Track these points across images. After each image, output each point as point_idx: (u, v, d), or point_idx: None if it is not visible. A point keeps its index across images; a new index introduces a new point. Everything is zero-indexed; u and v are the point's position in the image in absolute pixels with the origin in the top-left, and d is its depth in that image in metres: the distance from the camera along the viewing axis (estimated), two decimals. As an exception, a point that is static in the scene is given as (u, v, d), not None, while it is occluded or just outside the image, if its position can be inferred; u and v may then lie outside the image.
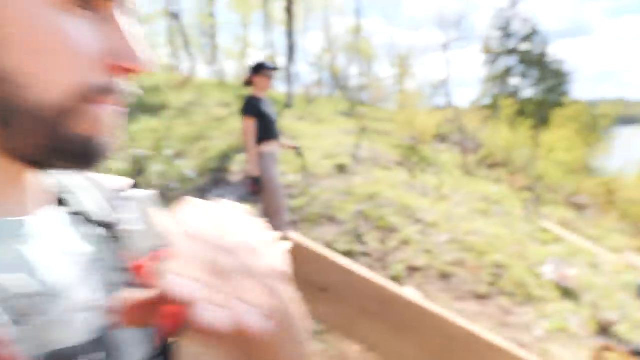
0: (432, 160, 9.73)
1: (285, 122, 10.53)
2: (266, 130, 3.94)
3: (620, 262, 5.65)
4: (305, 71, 42.33)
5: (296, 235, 1.78)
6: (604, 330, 4.05)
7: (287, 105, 11.49)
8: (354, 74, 25.88)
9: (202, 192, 6.11)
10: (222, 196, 6.32)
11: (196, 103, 11.48)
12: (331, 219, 5.47)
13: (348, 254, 4.53)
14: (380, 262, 4.52)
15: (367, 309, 1.87)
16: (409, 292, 4.06)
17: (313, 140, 8.73)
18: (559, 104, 20.05)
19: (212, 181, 6.72)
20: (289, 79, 11.72)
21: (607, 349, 3.66)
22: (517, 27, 27.52)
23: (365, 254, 4.63)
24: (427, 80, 27.95)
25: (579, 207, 9.18)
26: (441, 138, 13.08)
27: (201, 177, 6.71)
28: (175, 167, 6.87)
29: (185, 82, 13.33)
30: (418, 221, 5.42)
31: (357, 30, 22.28)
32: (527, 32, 27.23)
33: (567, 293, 4.53)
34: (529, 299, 4.38)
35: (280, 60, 17.29)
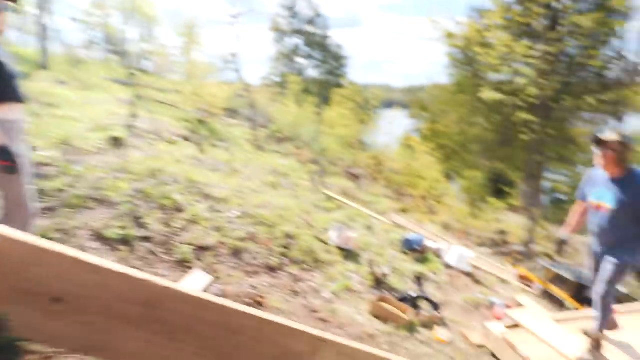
0: (223, 134, 9.40)
1: (37, 85, 8.57)
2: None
3: (387, 222, 6.44)
4: (70, 29, 36.14)
5: (4, 228, 1.13)
6: (380, 283, 4.46)
7: (42, 66, 9.37)
8: (133, 38, 23.18)
9: None
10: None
11: None
12: (102, 202, 4.56)
13: (124, 241, 3.83)
14: (163, 246, 3.96)
15: (127, 316, 1.36)
16: (198, 276, 3.67)
17: (78, 109, 7.31)
18: (338, 85, 22.22)
19: None
20: (43, 33, 9.53)
21: (382, 300, 4.02)
22: (302, 8, 29.29)
23: (145, 239, 3.98)
24: (216, 53, 27.30)
25: (355, 178, 10.29)
26: (231, 112, 12.85)
27: None
28: None
29: None
30: (207, 198, 5.01)
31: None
32: (311, 14, 29.23)
33: (349, 255, 4.86)
34: (317, 264, 4.52)
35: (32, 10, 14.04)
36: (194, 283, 3.39)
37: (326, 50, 30.05)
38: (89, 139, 5.98)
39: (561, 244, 3.43)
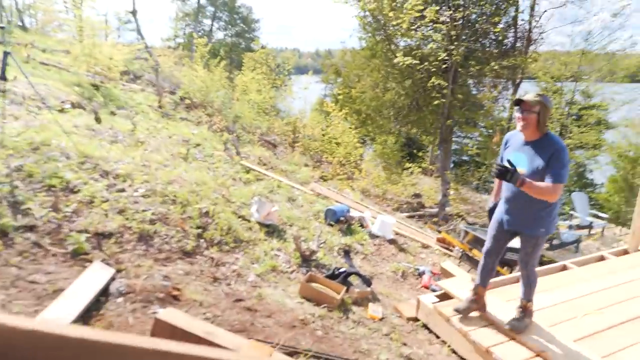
0: (122, 101, 8.36)
1: None
2: None
3: (310, 193, 6.19)
4: None
5: None
6: (307, 260, 4.21)
7: None
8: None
9: None
10: None
11: None
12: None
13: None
14: (52, 235, 3.30)
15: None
16: (96, 271, 3.08)
17: None
18: (248, 49, 21.19)
19: None
20: None
21: (311, 279, 3.77)
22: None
23: (27, 228, 3.29)
24: (111, 10, 24.54)
25: (272, 146, 9.86)
26: (132, 77, 11.57)
27: None
28: None
29: None
30: (105, 175, 4.32)
31: None
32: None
33: (273, 231, 4.53)
34: (238, 245, 4.13)
35: None
36: (91, 281, 2.84)
37: (234, 12, 28.45)
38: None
39: (490, 212, 3.38)
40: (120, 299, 2.84)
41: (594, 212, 11.04)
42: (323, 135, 11.42)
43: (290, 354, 2.65)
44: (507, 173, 2.70)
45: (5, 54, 4.49)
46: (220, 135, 7.96)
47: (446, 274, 4.89)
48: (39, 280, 2.82)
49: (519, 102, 2.86)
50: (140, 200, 4.06)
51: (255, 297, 3.33)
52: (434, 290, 4.45)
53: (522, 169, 2.86)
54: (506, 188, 3.03)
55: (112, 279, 3.02)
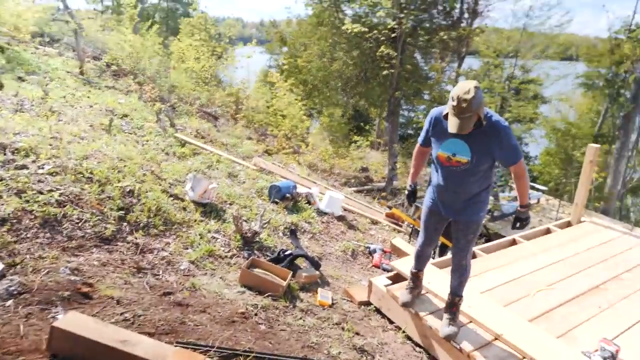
0: (34, 66, 7.31)
1: None
2: None
3: (252, 168, 5.69)
4: None
5: None
6: (249, 242, 3.77)
7: None
8: None
9: None
10: None
11: None
12: None
13: None
14: None
15: None
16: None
17: None
18: (187, 15, 19.76)
19: None
20: None
21: (254, 264, 3.36)
22: None
23: None
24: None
25: (213, 117, 9.15)
26: (48, 40, 10.27)
27: None
28: None
29: None
30: (2, 148, 3.59)
31: None
32: None
33: (210, 211, 4.02)
34: (169, 227, 3.60)
35: None
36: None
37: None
38: None
39: (410, 196, 3.08)
40: (9, 302, 2.26)
41: (531, 184, 11.41)
42: (268, 107, 10.82)
43: (227, 358, 2.23)
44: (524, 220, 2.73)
45: None
46: (152, 106, 7.19)
47: (397, 250, 4.66)
48: None
49: (459, 104, 2.30)
50: (46, 179, 3.40)
51: (188, 288, 2.87)
52: (385, 270, 4.19)
53: (464, 157, 2.52)
54: (444, 175, 2.66)
55: (1, 276, 2.43)
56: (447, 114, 2.48)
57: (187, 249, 3.45)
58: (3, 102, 4.97)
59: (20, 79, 6.37)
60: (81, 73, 8.13)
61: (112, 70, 9.49)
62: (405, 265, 3.46)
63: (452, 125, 2.39)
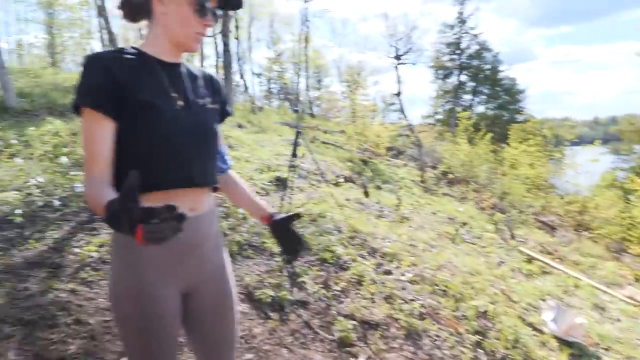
0: (387, 175, 8.53)
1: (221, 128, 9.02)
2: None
3: (628, 301, 4.52)
4: (253, 82, 41.14)
5: None
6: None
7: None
8: (302, 86, 24.77)
9: (92, 212, 4.47)
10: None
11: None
12: (261, 251, 4.01)
13: (276, 305, 3.10)
14: (321, 316, 3.10)
15: None
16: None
17: (250, 150, 7.29)
18: (512, 120, 19.79)
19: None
20: (230, 87, 10.31)
21: None
22: (466, 43, 27.64)
23: (301, 304, 3.19)
24: (379, 94, 27.44)
25: (550, 228, 8.25)
26: (396, 153, 12.02)
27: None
28: (67, 179, 5.17)
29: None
30: (373, 252, 4.07)
31: (306, 40, 21.21)
32: (477, 48, 27.37)
33: (580, 354, 3.29)
34: (529, 365, 3.11)
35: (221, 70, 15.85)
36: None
37: (497, 85, 27.62)
38: (257, 180, 5.70)
39: None
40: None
41: None
42: (622, 218, 8.97)
43: None
44: None
45: (298, 133, 4.97)
46: (489, 214, 7.06)
47: None
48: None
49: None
50: (407, 287, 3.58)
51: None
52: None
53: None
54: None
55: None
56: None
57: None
58: (369, 208, 5.84)
59: (379, 187, 7.49)
60: (422, 181, 8.97)
61: (447, 178, 10.11)
62: None
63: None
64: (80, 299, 2.84)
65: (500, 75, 27.65)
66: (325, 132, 12.65)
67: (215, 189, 1.33)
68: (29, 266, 3.17)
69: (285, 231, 1.37)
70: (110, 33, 13.57)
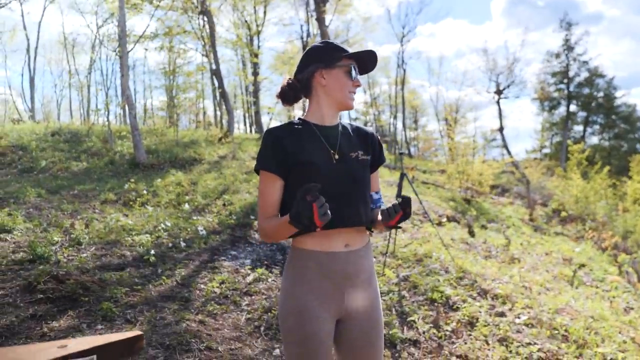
0: (493, 214, 8.29)
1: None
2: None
3: None
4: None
5: None
6: None
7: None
8: (400, 128, 25.03)
9: (212, 252, 5.09)
10: (236, 258, 5.27)
11: (230, 157, 10.86)
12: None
13: (389, 342, 3.26)
14: (432, 355, 3.19)
15: None
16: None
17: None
18: (635, 151, 17.93)
19: (230, 240, 5.71)
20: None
21: None
22: (575, 71, 25.89)
23: (412, 343, 3.32)
24: (479, 131, 26.69)
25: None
26: (501, 190, 11.58)
27: (218, 235, 5.72)
28: (190, 223, 5.96)
29: (223, 137, 12.88)
30: (483, 293, 4.06)
31: (402, 82, 21.63)
32: (587, 75, 25.47)
33: None
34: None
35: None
36: None
37: (612, 113, 25.27)
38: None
39: None
40: None
41: None
42: None
43: None
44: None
45: (402, 175, 5.21)
46: (611, 255, 6.51)
47: None
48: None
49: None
50: (523, 330, 3.52)
51: None
52: None
53: None
54: None
55: None
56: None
57: None
58: (476, 249, 5.78)
59: (484, 227, 7.33)
60: (531, 219, 8.54)
61: (559, 216, 9.49)
62: None
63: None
64: (209, 329, 3.27)
65: (617, 102, 25.31)
66: (424, 172, 12.67)
67: (370, 228, 1.58)
68: (163, 299, 3.72)
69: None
70: (222, 92, 15.23)
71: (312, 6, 17.42)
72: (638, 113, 24.99)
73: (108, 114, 11.39)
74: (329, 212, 1.22)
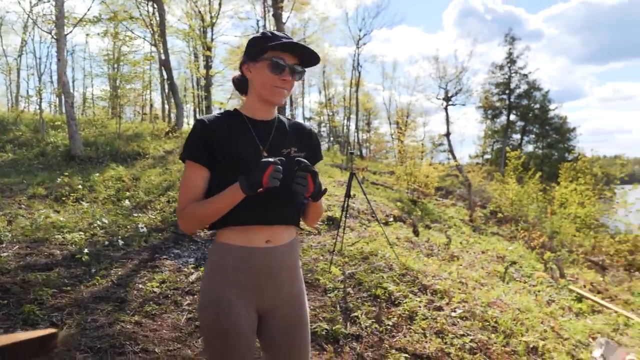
0: (436, 214, 8.70)
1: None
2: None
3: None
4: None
5: None
6: None
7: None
8: (353, 129, 25.52)
9: (153, 251, 5.01)
10: (179, 256, 5.21)
11: (177, 152, 10.61)
12: (314, 287, 4.35)
13: (331, 338, 3.39)
14: (374, 349, 3.35)
15: None
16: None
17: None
18: (562, 159, 19.36)
19: (173, 238, 5.64)
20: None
21: None
22: (516, 83, 27.59)
23: (354, 338, 3.47)
24: (427, 136, 27.79)
25: (601, 268, 8.03)
26: (445, 192, 12.14)
27: (160, 233, 5.63)
28: (130, 220, 5.81)
29: (170, 131, 12.57)
30: (423, 289, 4.30)
31: (357, 84, 22.05)
32: (527, 88, 27.23)
33: (633, 393, 3.33)
34: (580, 402, 3.19)
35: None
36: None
37: (546, 123, 27.19)
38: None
39: None
40: None
41: None
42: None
43: None
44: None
45: (351, 174, 5.38)
46: (539, 253, 7.05)
47: None
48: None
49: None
50: (458, 323, 3.77)
51: None
52: None
53: None
54: None
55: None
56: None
57: None
58: (419, 247, 6.06)
59: (428, 226, 7.69)
60: (471, 220, 9.05)
61: (496, 217, 10.11)
62: None
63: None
64: (146, 330, 3.21)
65: (550, 114, 27.26)
66: (374, 173, 13.02)
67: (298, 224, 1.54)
68: (96, 300, 3.60)
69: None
70: (172, 84, 14.82)
71: (269, 1, 17.34)
72: (568, 125, 27.10)
73: (40, 101, 10.75)
74: (278, 181, 1.26)
